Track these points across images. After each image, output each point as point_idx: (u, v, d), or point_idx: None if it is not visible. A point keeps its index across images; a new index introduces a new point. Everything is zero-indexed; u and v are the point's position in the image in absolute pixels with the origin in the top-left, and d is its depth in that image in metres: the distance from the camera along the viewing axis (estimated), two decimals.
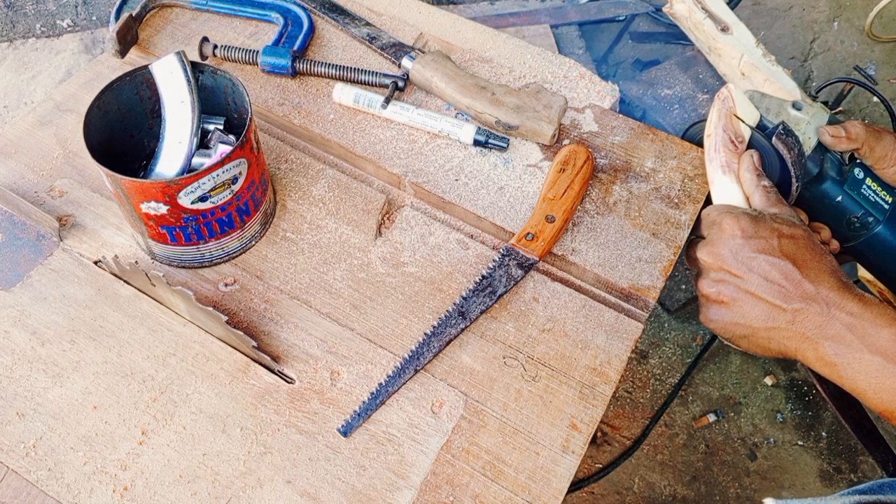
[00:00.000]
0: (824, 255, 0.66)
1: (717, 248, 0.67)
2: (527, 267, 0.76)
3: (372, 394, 0.68)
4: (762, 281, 0.65)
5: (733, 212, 0.68)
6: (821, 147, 0.80)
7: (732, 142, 0.77)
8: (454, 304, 0.73)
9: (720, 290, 0.67)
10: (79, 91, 0.90)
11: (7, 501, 0.63)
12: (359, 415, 0.67)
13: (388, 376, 0.69)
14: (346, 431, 0.66)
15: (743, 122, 0.78)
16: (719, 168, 0.76)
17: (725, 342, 0.71)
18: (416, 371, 0.69)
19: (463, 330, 0.72)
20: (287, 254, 0.78)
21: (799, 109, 0.80)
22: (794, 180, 0.77)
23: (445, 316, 0.72)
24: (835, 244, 0.83)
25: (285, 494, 0.63)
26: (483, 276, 0.75)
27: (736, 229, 0.67)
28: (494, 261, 0.76)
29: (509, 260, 0.76)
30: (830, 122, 0.81)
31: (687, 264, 0.75)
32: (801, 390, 1.48)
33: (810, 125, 0.80)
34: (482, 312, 0.73)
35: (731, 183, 0.75)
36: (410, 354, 0.70)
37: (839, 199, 0.80)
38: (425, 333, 0.71)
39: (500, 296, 0.74)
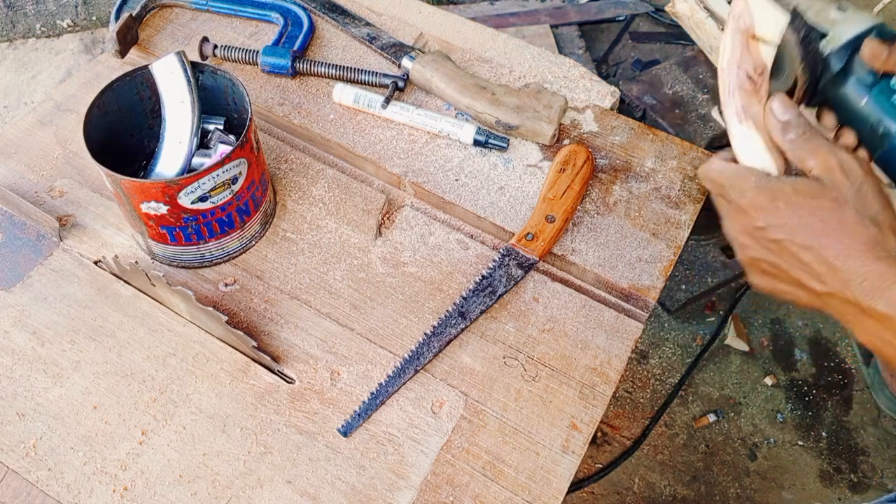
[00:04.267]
0: (863, 223, 0.56)
1: (737, 226, 0.61)
2: (527, 267, 0.76)
3: (372, 394, 0.68)
4: (791, 265, 0.58)
5: (748, 182, 0.60)
6: (854, 49, 0.69)
7: (750, 78, 0.64)
8: (454, 304, 0.73)
9: (753, 262, 0.61)
10: (79, 91, 0.90)
11: (7, 501, 0.63)
12: (359, 415, 0.67)
13: (388, 376, 0.69)
14: (346, 431, 0.66)
15: (764, 41, 0.65)
16: (734, 116, 0.64)
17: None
18: (416, 371, 0.69)
19: (463, 330, 0.72)
20: (287, 254, 0.78)
21: (843, 11, 0.69)
22: (801, 67, 0.67)
23: (445, 316, 0.72)
24: (863, 153, 0.72)
25: (285, 494, 0.63)
26: (483, 276, 0.75)
27: (752, 208, 0.59)
28: (494, 261, 0.76)
29: (509, 260, 0.76)
30: (881, 35, 0.69)
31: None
32: (801, 390, 1.48)
33: (846, 25, 0.69)
34: (482, 312, 0.73)
35: (751, 132, 0.64)
36: (410, 354, 0.70)
37: (864, 102, 0.69)
38: (425, 333, 0.71)
39: (500, 296, 0.74)
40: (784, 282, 0.60)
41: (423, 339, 0.71)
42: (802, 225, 0.57)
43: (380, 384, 0.69)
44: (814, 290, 0.58)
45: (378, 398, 0.68)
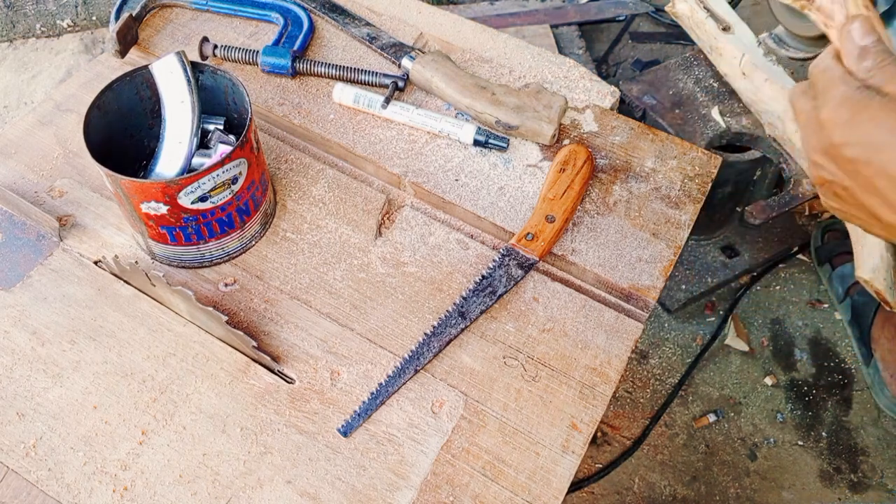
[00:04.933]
0: None
1: (813, 142, 0.55)
2: (527, 267, 0.76)
3: (372, 394, 0.68)
4: (864, 191, 0.53)
5: (836, 90, 0.53)
6: None
7: None
8: (454, 304, 0.73)
9: (826, 184, 0.56)
10: (79, 91, 0.90)
11: (7, 501, 0.63)
12: (359, 415, 0.67)
13: (388, 376, 0.69)
14: (346, 431, 0.66)
15: None
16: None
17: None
18: (416, 371, 0.69)
19: (463, 330, 0.72)
20: (287, 254, 0.78)
21: None
22: None
23: (445, 316, 0.72)
24: None
25: (285, 494, 0.63)
26: (483, 276, 0.75)
27: (830, 122, 0.53)
28: (494, 261, 0.76)
29: (509, 260, 0.76)
30: None
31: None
32: (801, 390, 1.48)
33: None
34: (482, 312, 0.73)
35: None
36: (410, 354, 0.70)
37: None
38: (425, 333, 0.71)
39: (500, 296, 0.74)
40: (856, 208, 0.55)
41: (423, 340, 0.71)
42: (883, 145, 0.51)
43: (379, 384, 0.69)
44: (888, 222, 0.53)
45: (378, 398, 0.68)
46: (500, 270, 0.75)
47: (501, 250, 0.76)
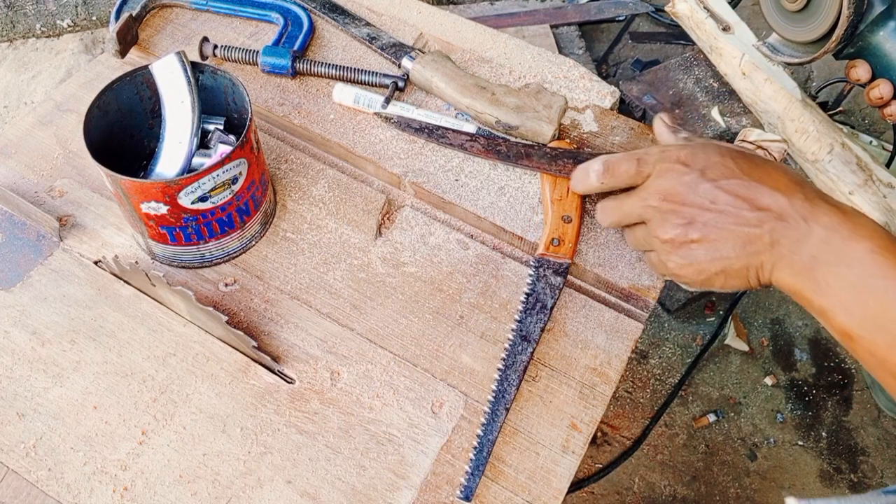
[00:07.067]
0: (780, 167, 0.61)
1: (670, 187, 0.61)
2: (562, 272, 0.74)
3: (475, 447, 0.66)
4: (732, 209, 0.59)
5: (668, 146, 0.62)
6: None
7: None
8: (513, 330, 0.71)
9: (687, 231, 0.61)
10: (79, 91, 0.90)
11: (7, 501, 0.63)
12: (472, 474, 0.64)
13: (483, 424, 0.67)
14: (467, 495, 0.63)
15: None
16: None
17: (696, 289, 0.65)
18: (507, 409, 0.67)
19: (532, 353, 0.70)
20: (287, 254, 0.78)
21: None
22: (845, 6, 0.66)
23: (510, 345, 0.71)
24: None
25: (285, 494, 0.63)
26: (527, 294, 0.73)
27: (680, 164, 0.60)
28: (531, 275, 0.74)
29: (544, 270, 0.75)
30: None
31: (617, 226, 0.69)
32: (801, 390, 1.48)
33: None
34: (542, 330, 0.72)
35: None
36: (494, 394, 0.68)
37: None
38: (499, 369, 0.69)
39: (552, 308, 0.73)
40: (715, 244, 0.61)
41: (500, 376, 0.69)
42: (737, 163, 0.60)
43: (478, 435, 0.66)
44: (755, 233, 0.59)
45: (483, 450, 0.65)
46: (541, 283, 0.74)
47: (533, 262, 0.75)
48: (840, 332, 0.57)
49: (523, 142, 0.72)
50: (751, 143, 0.74)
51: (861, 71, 0.72)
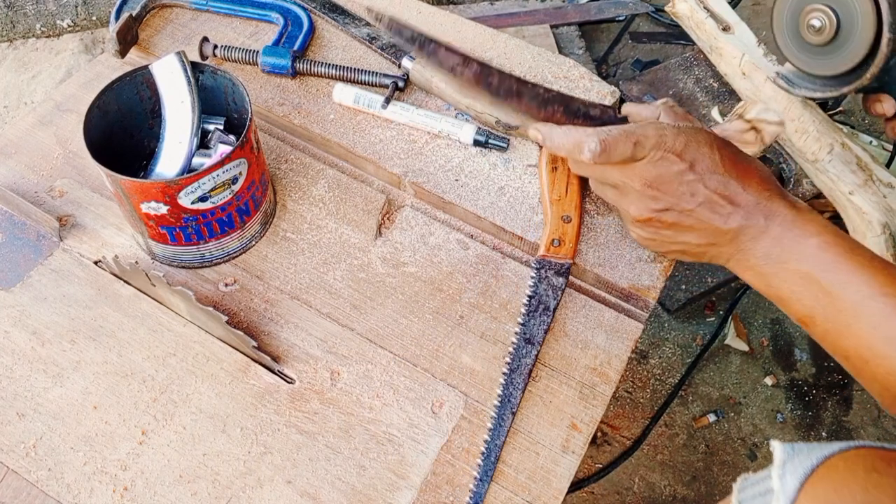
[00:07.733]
0: (755, 163, 0.65)
1: (658, 175, 0.64)
2: (564, 273, 0.74)
3: (483, 453, 0.66)
4: (707, 203, 0.63)
5: (664, 130, 0.64)
6: None
7: None
8: (516, 333, 0.71)
9: (661, 215, 0.65)
10: (79, 91, 0.90)
11: (7, 501, 0.63)
12: (481, 480, 0.64)
13: (490, 429, 0.67)
14: (476, 501, 0.64)
15: None
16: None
17: (652, 251, 0.69)
18: (514, 413, 0.68)
19: (537, 356, 0.71)
20: (287, 254, 0.78)
21: None
22: (885, 30, 0.65)
23: (514, 348, 0.71)
24: None
25: (285, 494, 0.63)
26: (530, 296, 0.73)
27: (674, 155, 0.63)
28: (532, 277, 0.74)
29: (546, 271, 0.75)
30: None
31: (600, 187, 0.70)
32: (801, 390, 1.48)
33: None
34: (546, 332, 0.72)
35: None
36: (500, 398, 0.68)
37: None
38: (504, 373, 0.69)
39: (555, 310, 0.73)
40: (681, 232, 0.66)
41: (505, 380, 0.69)
42: (722, 159, 0.63)
43: (486, 441, 0.66)
44: (721, 229, 0.64)
45: (491, 455, 0.66)
46: (543, 284, 0.74)
47: (535, 264, 0.75)
48: (796, 318, 0.64)
49: (517, 77, 0.70)
50: (747, 120, 0.72)
51: (888, 106, 0.71)
